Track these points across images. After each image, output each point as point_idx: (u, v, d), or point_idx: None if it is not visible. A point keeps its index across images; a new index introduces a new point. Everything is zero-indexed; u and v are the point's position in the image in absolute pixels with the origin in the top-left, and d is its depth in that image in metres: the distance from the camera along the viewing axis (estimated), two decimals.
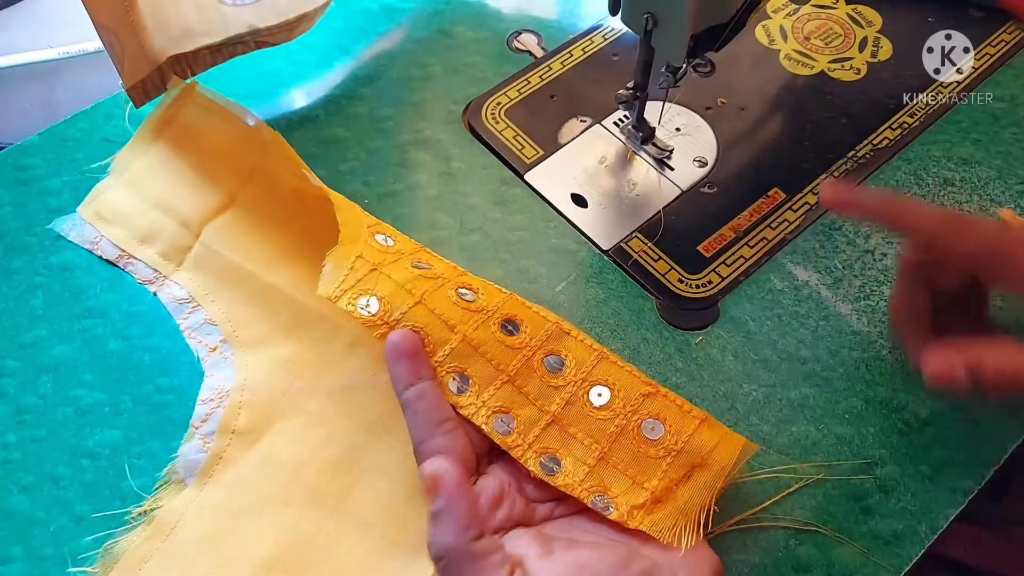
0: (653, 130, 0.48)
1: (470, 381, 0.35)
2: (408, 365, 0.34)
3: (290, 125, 0.50)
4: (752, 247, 0.45)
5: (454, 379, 0.34)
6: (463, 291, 0.37)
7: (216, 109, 0.46)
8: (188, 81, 0.47)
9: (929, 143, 0.49)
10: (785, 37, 0.54)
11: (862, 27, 0.54)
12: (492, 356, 0.35)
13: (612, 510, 0.33)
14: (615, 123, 0.50)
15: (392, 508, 0.38)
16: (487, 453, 0.35)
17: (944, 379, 0.33)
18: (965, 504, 0.37)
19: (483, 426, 0.33)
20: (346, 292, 0.35)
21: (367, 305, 0.35)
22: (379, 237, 0.40)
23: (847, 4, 0.55)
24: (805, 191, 0.47)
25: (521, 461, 0.33)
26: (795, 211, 0.46)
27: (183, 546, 0.37)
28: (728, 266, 0.44)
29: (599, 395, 0.36)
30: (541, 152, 0.49)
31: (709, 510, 0.33)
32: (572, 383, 0.36)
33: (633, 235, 0.45)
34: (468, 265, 0.44)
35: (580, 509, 0.34)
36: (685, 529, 0.33)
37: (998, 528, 0.53)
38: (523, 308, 0.37)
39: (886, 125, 0.49)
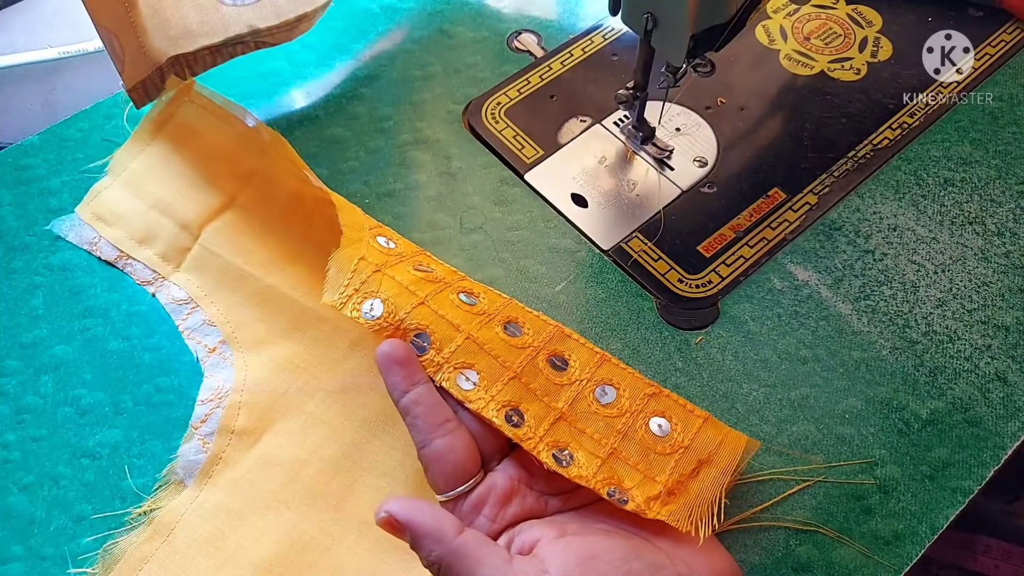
0: (653, 130, 0.48)
1: (478, 377, 0.35)
2: (402, 372, 0.34)
3: (290, 125, 0.50)
4: (752, 247, 0.45)
5: (462, 375, 0.34)
6: (464, 296, 0.37)
7: (214, 109, 0.46)
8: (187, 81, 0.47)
9: (929, 143, 0.49)
10: (785, 37, 0.54)
11: (862, 27, 0.54)
12: (498, 354, 0.35)
13: (628, 502, 0.33)
14: (615, 123, 0.50)
15: None
16: (497, 452, 0.35)
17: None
18: (966, 504, 0.37)
19: (494, 419, 0.33)
20: (350, 298, 0.36)
21: (371, 309, 0.35)
22: (380, 239, 0.40)
23: (847, 4, 0.55)
24: (805, 191, 0.47)
25: (533, 453, 0.33)
26: (795, 211, 0.46)
27: (183, 546, 0.37)
28: (728, 266, 0.44)
29: (605, 394, 0.36)
30: (541, 152, 0.49)
31: (720, 504, 0.33)
32: (577, 382, 0.36)
33: (633, 235, 0.45)
34: (468, 265, 0.44)
35: (590, 503, 0.34)
36: (701, 520, 0.33)
37: (1016, 534, 0.53)
38: (524, 312, 0.38)
39: (886, 125, 0.49)
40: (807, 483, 0.38)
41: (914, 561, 0.36)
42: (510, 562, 0.30)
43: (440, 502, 0.33)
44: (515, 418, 0.34)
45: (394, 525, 0.30)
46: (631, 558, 0.30)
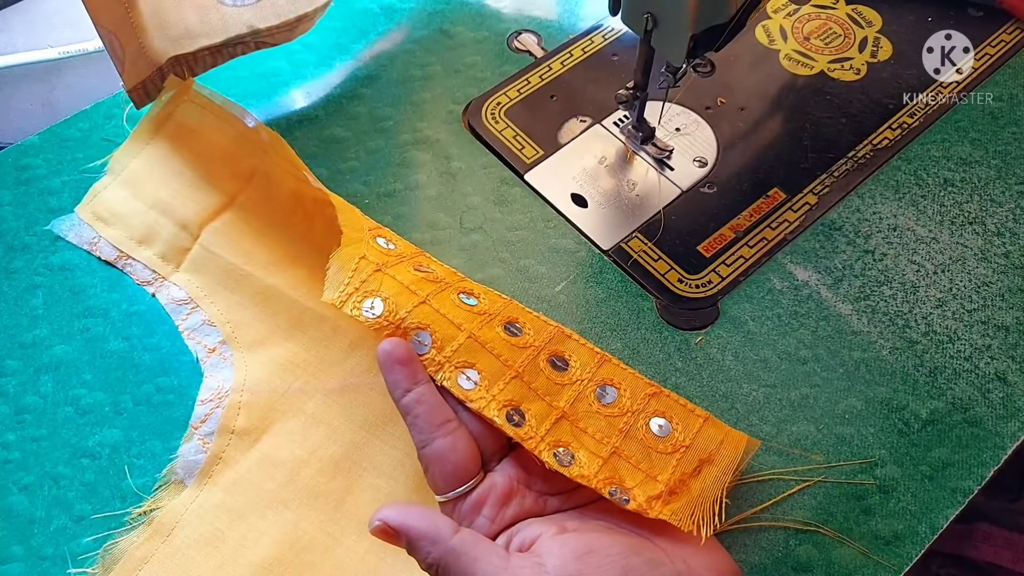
0: (653, 130, 0.48)
1: (479, 376, 0.35)
2: (403, 371, 0.34)
3: (290, 125, 0.50)
4: (752, 247, 0.45)
5: (463, 374, 0.34)
6: (464, 296, 0.37)
7: (214, 108, 0.46)
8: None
9: (929, 143, 0.49)
10: (785, 37, 0.54)
11: (862, 27, 0.54)
12: (499, 353, 0.35)
13: (629, 501, 0.33)
14: (615, 123, 0.50)
15: None
16: (496, 452, 0.35)
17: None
18: (965, 504, 0.37)
19: (495, 418, 0.33)
20: (351, 296, 0.36)
21: (372, 307, 0.35)
22: (380, 240, 0.40)
23: (847, 4, 0.55)
24: (805, 191, 0.47)
25: (535, 453, 0.33)
26: (795, 211, 0.46)
27: (183, 546, 0.37)
28: (728, 266, 0.44)
29: (606, 393, 0.36)
30: (541, 152, 0.49)
31: (721, 504, 0.34)
32: (578, 381, 0.36)
33: (633, 235, 0.45)
34: (468, 265, 0.44)
35: (589, 503, 0.34)
36: (703, 519, 0.33)
37: (1018, 526, 0.53)
38: (524, 312, 0.38)
39: (886, 125, 0.49)
40: (807, 483, 0.38)
41: (914, 561, 0.36)
42: (507, 559, 0.30)
43: (440, 503, 0.33)
44: (516, 417, 0.34)
45: (388, 532, 0.30)
46: (629, 554, 0.30)
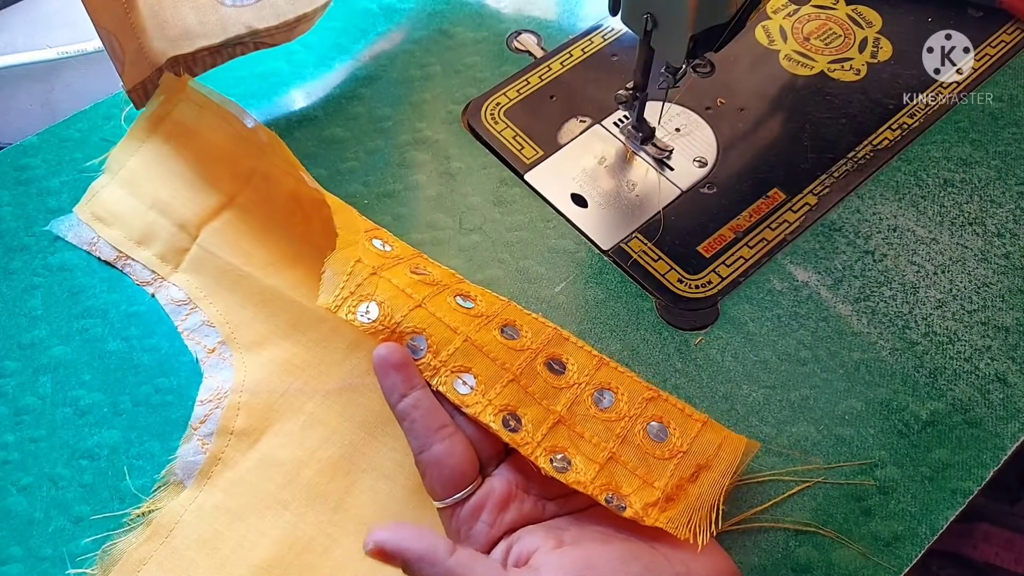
0: (653, 130, 0.48)
1: (475, 380, 0.34)
2: (399, 376, 0.33)
3: (290, 125, 0.50)
4: (752, 247, 0.45)
5: (459, 379, 0.34)
6: (461, 299, 0.37)
7: (211, 107, 0.45)
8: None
9: (929, 143, 0.48)
10: (785, 37, 0.54)
11: (862, 27, 0.54)
12: (496, 356, 0.35)
13: (626, 508, 0.33)
14: (615, 123, 0.50)
15: (390, 509, 0.38)
16: (494, 456, 0.34)
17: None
18: (965, 505, 0.37)
19: (491, 424, 0.33)
20: (346, 300, 0.35)
21: (367, 311, 0.35)
22: (376, 242, 0.40)
23: (847, 4, 0.55)
24: (805, 192, 0.47)
25: (531, 459, 0.33)
26: (795, 212, 0.46)
27: (182, 547, 0.37)
28: (728, 266, 0.44)
29: (603, 397, 0.36)
30: (541, 152, 0.49)
31: (718, 509, 0.33)
32: (576, 385, 0.36)
33: (633, 235, 0.45)
34: (467, 265, 0.44)
35: (588, 507, 0.34)
36: (700, 526, 0.33)
37: (1018, 527, 0.53)
38: (522, 314, 0.38)
39: (886, 125, 0.49)
40: (807, 484, 0.38)
41: (914, 562, 0.36)
42: (505, 575, 0.30)
43: (438, 508, 0.33)
44: (512, 423, 0.34)
45: (385, 554, 0.29)
46: (628, 560, 0.30)
